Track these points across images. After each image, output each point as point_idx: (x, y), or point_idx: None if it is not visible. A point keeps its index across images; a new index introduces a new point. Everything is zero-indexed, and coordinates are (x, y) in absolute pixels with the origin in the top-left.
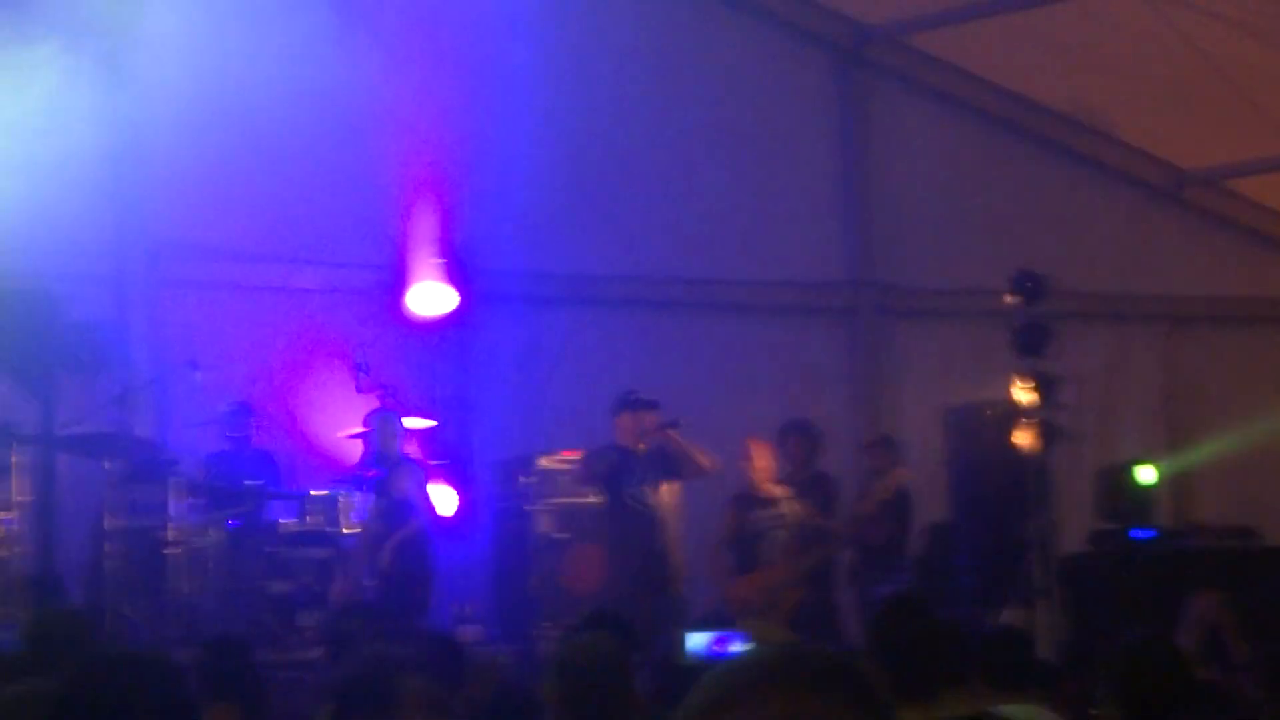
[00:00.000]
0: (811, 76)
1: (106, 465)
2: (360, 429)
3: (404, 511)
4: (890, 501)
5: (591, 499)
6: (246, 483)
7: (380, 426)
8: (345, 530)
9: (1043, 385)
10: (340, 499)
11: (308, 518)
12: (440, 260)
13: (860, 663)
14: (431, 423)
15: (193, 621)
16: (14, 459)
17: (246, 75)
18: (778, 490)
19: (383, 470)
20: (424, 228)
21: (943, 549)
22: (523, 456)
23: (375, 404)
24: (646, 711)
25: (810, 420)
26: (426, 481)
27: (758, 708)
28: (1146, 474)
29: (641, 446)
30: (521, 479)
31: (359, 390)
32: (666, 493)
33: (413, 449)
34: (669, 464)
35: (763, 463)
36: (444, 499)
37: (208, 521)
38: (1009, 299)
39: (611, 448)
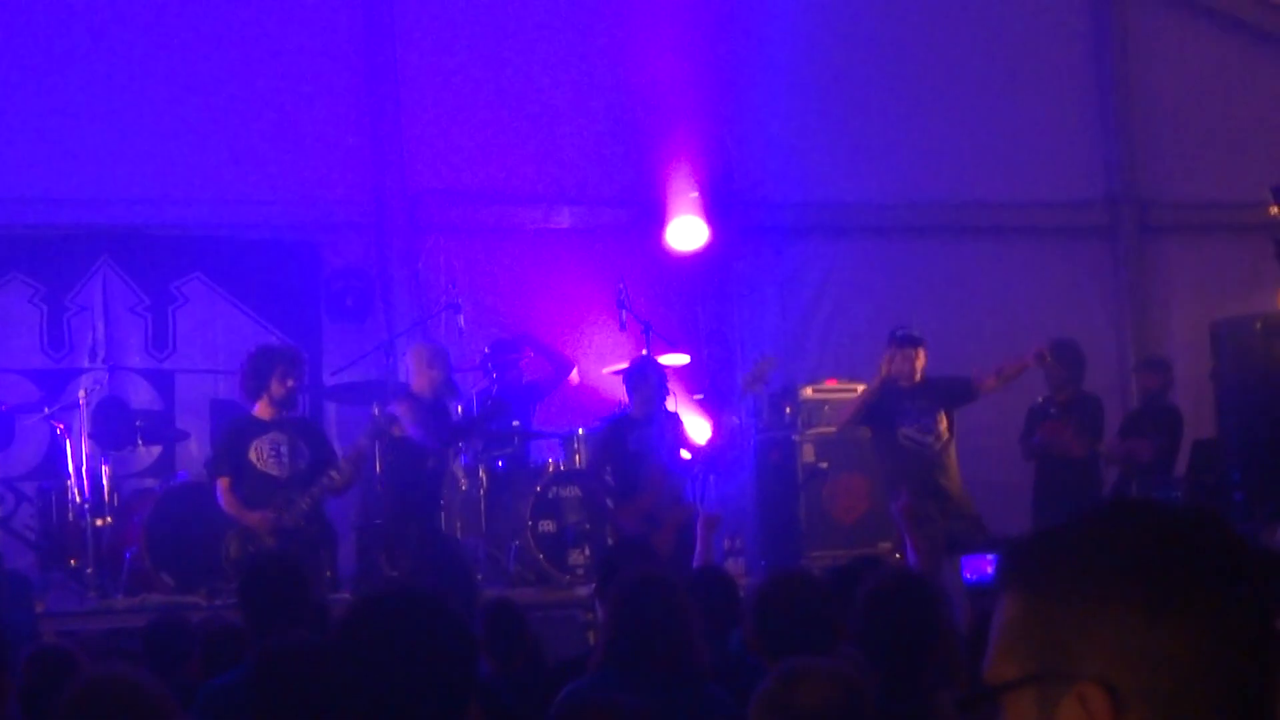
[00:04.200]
0: None
1: (375, 411)
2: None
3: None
4: (1158, 417)
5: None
6: (513, 423)
7: (637, 381)
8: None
9: None
10: None
11: (575, 456)
12: (697, 194)
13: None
14: (686, 358)
15: (464, 563)
16: None
17: (496, 17)
18: None
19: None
20: (680, 161)
21: (1212, 465)
22: (786, 387)
23: (633, 357)
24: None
25: (1071, 340)
26: (681, 433)
27: None
28: None
29: (917, 379)
30: (786, 409)
31: (621, 328)
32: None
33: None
34: (948, 392)
35: None
36: (703, 432)
37: (475, 463)
38: (1273, 210)
39: (881, 386)
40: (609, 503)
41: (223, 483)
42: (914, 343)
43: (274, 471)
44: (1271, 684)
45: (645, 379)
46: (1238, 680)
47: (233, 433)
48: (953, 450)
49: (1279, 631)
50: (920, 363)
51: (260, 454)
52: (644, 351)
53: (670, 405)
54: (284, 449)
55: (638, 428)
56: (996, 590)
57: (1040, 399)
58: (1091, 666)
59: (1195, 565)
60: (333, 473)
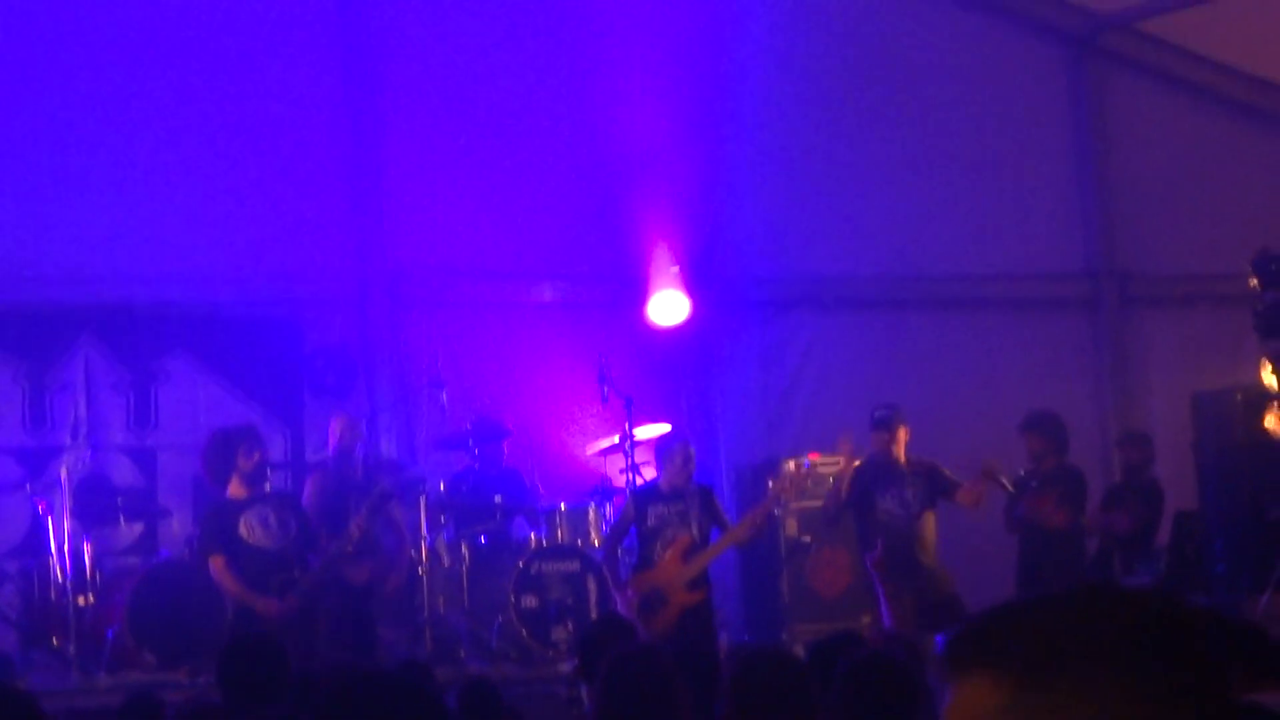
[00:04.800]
0: (1045, 67)
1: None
2: (612, 442)
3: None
4: (1139, 490)
5: None
6: (494, 499)
7: (667, 455)
8: (596, 543)
9: None
10: (590, 512)
11: (557, 531)
12: (678, 268)
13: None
14: (667, 427)
15: (447, 640)
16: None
17: (480, 95)
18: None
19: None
20: (661, 236)
21: (1194, 537)
22: (768, 460)
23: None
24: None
25: (1051, 413)
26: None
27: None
28: None
29: (896, 457)
30: (769, 482)
31: (603, 402)
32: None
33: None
34: (935, 486)
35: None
36: None
37: (458, 539)
38: (1253, 282)
39: (865, 464)
40: (611, 572)
41: (216, 562)
42: (887, 426)
43: (266, 544)
44: None
45: (672, 452)
46: None
47: (219, 512)
48: (930, 525)
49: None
50: (898, 442)
51: (250, 529)
52: (626, 427)
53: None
54: (272, 520)
55: (661, 501)
56: (956, 667)
57: (1023, 471)
58: None
59: (1174, 651)
60: (342, 541)
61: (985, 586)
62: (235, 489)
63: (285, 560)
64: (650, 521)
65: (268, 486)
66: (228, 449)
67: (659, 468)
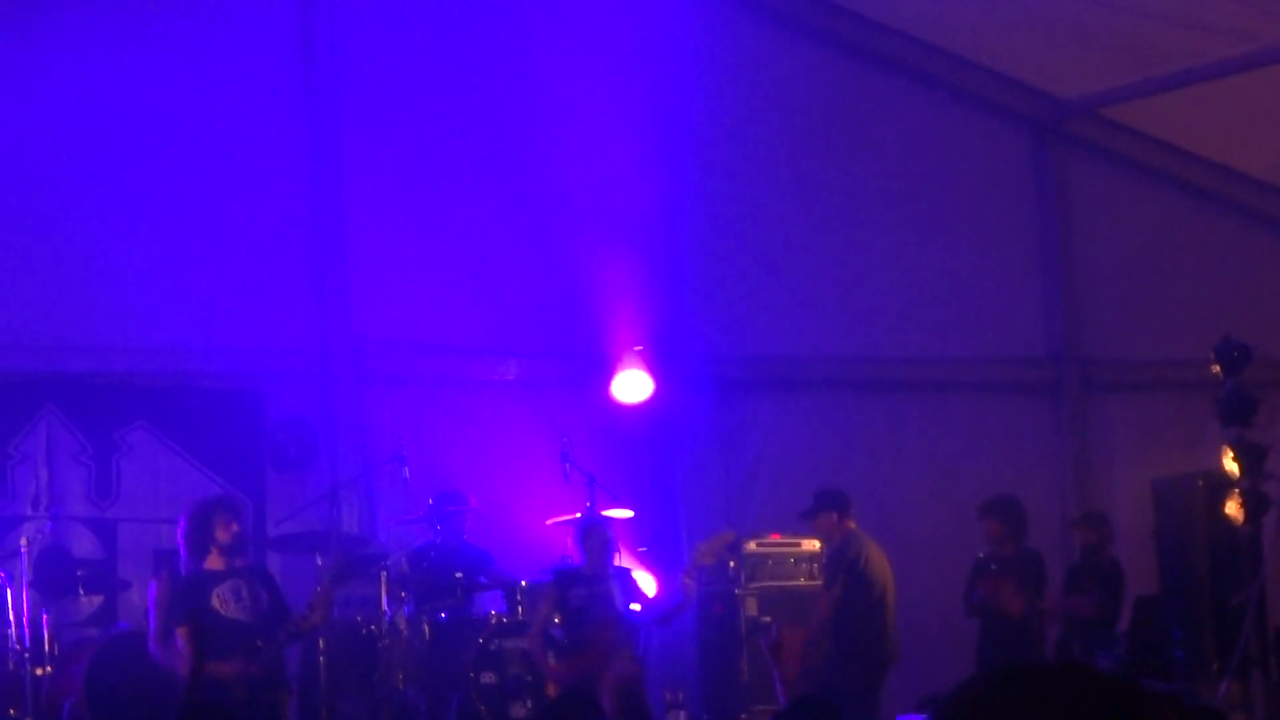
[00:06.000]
0: (1009, 150)
1: (318, 562)
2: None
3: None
4: (1099, 571)
5: (800, 582)
6: (455, 574)
7: (586, 537)
8: (556, 620)
9: (1250, 455)
10: (551, 588)
11: (518, 608)
12: (642, 347)
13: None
14: (629, 513)
15: (405, 715)
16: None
17: (445, 172)
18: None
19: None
20: (624, 315)
21: (1154, 621)
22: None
23: (581, 513)
24: None
25: (1010, 497)
26: (631, 587)
27: None
28: None
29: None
30: (730, 563)
31: (565, 480)
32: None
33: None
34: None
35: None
36: (648, 586)
37: (418, 614)
38: (1215, 369)
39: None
40: (550, 657)
41: (182, 632)
42: (808, 514)
43: (241, 617)
44: None
45: (591, 534)
46: None
47: (190, 584)
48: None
49: None
50: (823, 527)
51: (224, 601)
52: (588, 505)
53: (618, 560)
54: (245, 593)
55: (583, 583)
56: None
57: (980, 555)
58: None
59: None
60: (308, 612)
61: (947, 673)
62: (213, 561)
63: (255, 632)
64: (573, 604)
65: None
66: (207, 519)
67: (579, 550)
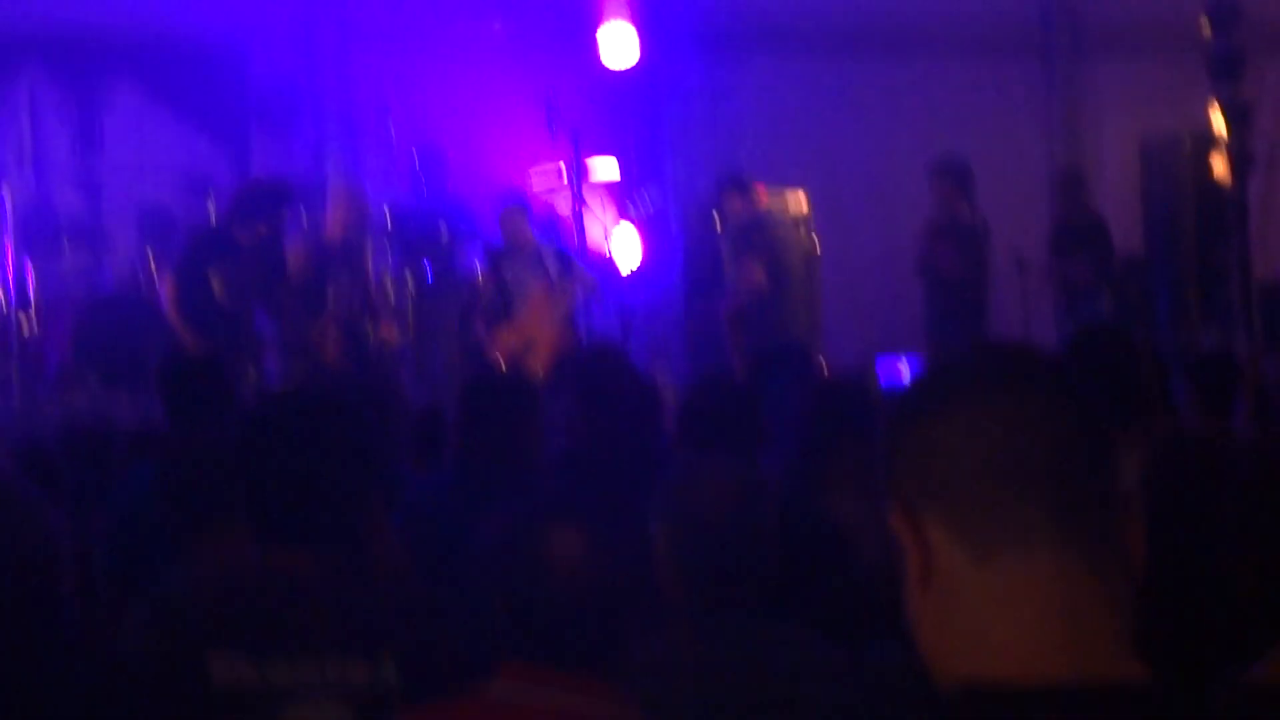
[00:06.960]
0: None
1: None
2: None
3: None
4: (1088, 231)
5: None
6: (440, 227)
7: (507, 222)
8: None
9: (1238, 113)
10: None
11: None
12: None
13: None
14: (614, 163)
15: (390, 368)
16: None
17: None
18: None
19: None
20: None
21: (1139, 280)
22: (715, 196)
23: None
24: None
25: (958, 159)
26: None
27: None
28: None
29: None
30: (714, 214)
31: (551, 137)
32: None
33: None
34: None
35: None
36: (632, 245)
37: (402, 270)
38: (1204, 26)
39: None
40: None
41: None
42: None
43: None
44: None
45: (507, 221)
46: None
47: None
48: None
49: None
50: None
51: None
52: (573, 156)
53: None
54: None
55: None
56: None
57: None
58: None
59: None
60: None
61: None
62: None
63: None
64: (507, 276)
65: None
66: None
67: (503, 234)
